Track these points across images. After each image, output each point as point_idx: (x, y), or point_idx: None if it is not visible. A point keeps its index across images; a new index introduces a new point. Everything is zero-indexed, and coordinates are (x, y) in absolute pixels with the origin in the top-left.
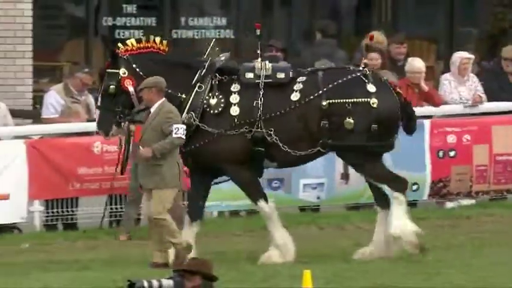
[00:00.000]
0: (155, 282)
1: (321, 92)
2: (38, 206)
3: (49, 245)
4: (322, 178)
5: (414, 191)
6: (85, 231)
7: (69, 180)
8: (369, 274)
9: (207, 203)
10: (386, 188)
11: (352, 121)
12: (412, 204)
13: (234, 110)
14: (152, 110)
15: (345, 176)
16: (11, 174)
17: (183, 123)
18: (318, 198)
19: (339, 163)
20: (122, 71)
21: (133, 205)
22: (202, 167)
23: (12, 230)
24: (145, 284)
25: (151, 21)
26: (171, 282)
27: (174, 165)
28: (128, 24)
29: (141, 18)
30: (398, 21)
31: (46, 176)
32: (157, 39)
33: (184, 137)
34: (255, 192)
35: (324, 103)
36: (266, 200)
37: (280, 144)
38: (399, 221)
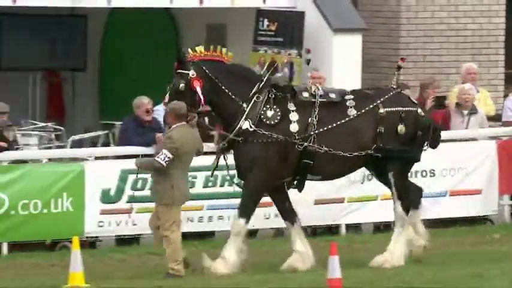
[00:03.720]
0: None
1: (378, 101)
2: (507, 200)
3: None
4: None
5: None
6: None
7: None
8: None
9: None
10: (397, 205)
11: (404, 127)
12: None
13: (294, 128)
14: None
15: None
16: (483, 171)
17: (240, 128)
18: None
19: None
20: (191, 73)
21: None
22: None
23: (484, 222)
24: None
25: None
26: None
27: (164, 182)
28: None
29: None
30: None
31: None
32: (224, 50)
33: (164, 164)
34: (248, 209)
35: (382, 111)
36: (248, 221)
37: (337, 152)
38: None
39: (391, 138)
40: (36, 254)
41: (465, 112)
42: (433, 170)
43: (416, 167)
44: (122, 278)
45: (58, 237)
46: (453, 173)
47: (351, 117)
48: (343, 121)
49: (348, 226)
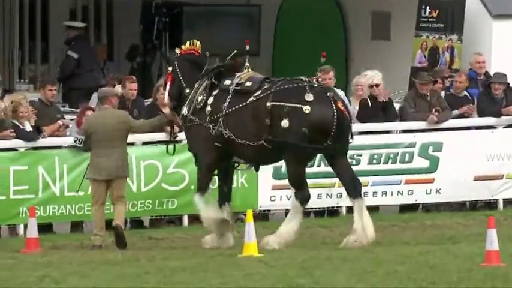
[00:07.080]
0: None
1: (267, 93)
2: None
3: None
4: None
5: None
6: None
7: None
8: None
9: None
10: (292, 194)
11: (287, 122)
12: None
13: (207, 110)
14: None
15: None
16: None
17: (183, 116)
18: None
19: None
20: (169, 69)
21: None
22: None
23: None
24: None
25: None
26: None
27: (91, 160)
28: None
29: None
30: None
31: None
32: (198, 43)
33: (76, 144)
34: (202, 186)
35: (269, 104)
36: (203, 195)
37: (236, 139)
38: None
39: (279, 132)
40: None
41: None
42: None
43: None
44: (293, 247)
45: (234, 210)
46: None
47: (243, 104)
48: (234, 108)
49: (505, 201)
